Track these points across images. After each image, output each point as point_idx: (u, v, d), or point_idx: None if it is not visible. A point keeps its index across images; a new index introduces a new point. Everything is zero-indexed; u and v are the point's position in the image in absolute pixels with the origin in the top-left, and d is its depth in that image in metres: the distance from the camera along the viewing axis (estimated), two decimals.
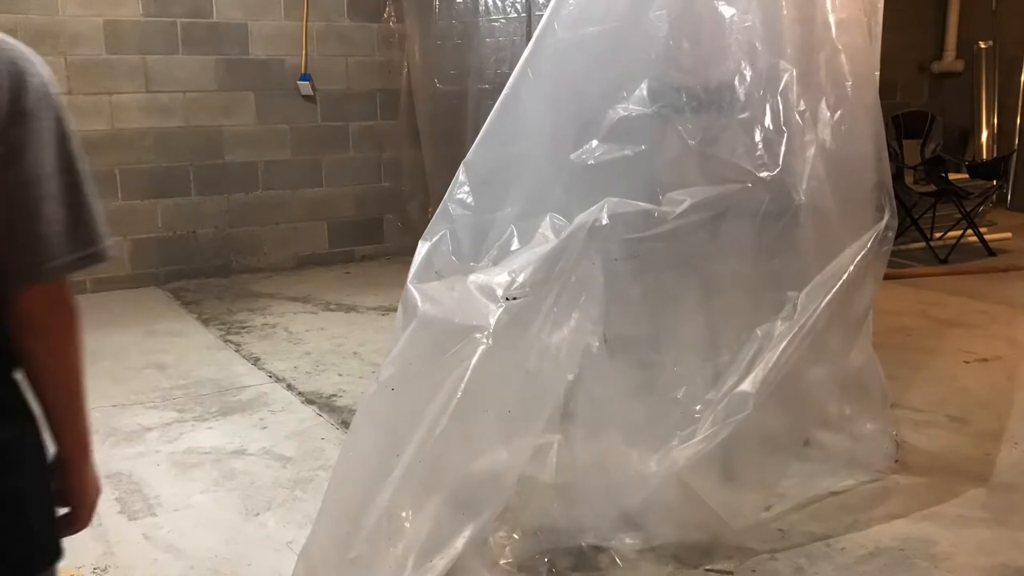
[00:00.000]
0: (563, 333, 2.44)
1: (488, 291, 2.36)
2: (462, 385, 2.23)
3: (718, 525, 2.65)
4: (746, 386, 2.60)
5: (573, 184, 2.60)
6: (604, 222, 2.50)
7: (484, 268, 2.44)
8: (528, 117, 2.62)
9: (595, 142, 2.62)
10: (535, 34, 2.62)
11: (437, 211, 2.53)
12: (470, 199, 2.55)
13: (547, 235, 2.47)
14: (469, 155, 2.55)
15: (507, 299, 2.35)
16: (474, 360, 2.25)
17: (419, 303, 2.36)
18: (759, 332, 2.70)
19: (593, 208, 2.51)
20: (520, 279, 2.38)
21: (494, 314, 2.31)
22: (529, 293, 2.37)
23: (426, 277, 2.44)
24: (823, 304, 2.71)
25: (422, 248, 2.50)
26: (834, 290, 2.74)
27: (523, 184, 2.61)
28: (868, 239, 2.86)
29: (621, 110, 2.64)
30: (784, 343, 2.66)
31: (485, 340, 2.27)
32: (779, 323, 2.71)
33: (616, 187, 2.57)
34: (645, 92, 2.65)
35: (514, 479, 2.37)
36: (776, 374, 2.63)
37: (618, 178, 2.60)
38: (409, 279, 2.43)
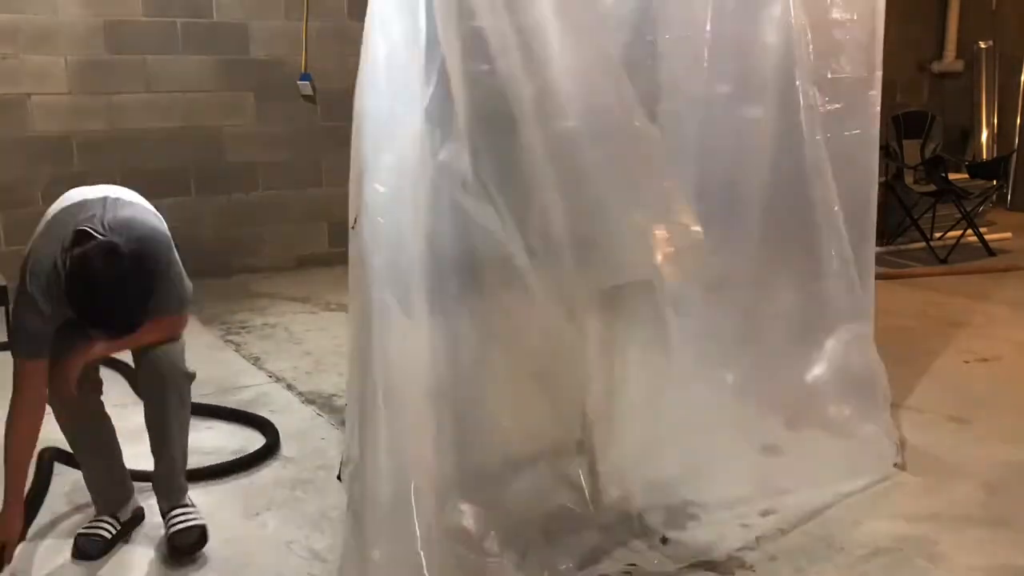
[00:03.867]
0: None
1: None
2: None
3: (716, 523, 2.66)
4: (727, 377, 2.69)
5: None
6: None
7: None
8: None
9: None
10: None
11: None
12: None
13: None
14: None
15: None
16: None
17: None
18: (762, 330, 2.73)
19: None
20: None
21: None
22: None
23: None
24: (790, 304, 2.76)
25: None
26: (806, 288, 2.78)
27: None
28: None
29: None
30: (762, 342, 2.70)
31: None
32: (777, 323, 2.73)
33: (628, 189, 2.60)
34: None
35: None
36: (750, 371, 2.70)
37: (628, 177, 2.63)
38: None
